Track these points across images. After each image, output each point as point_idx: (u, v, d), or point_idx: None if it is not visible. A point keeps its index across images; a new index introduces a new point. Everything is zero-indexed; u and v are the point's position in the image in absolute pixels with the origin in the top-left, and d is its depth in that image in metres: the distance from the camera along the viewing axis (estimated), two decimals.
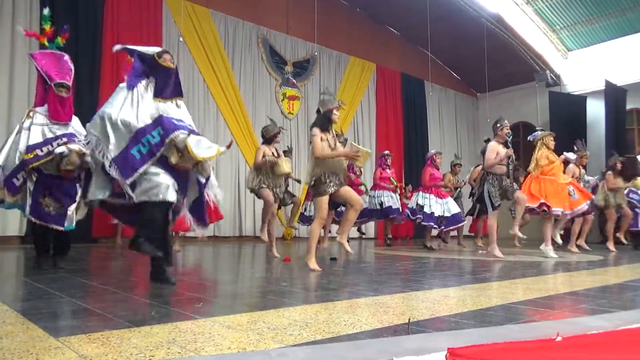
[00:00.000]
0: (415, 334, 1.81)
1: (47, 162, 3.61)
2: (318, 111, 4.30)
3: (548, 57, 12.84)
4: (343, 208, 5.97)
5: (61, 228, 3.72)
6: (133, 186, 2.83)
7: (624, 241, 8.30)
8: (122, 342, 1.62)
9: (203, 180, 3.11)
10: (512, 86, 13.97)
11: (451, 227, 7.92)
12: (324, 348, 1.59)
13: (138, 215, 2.93)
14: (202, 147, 2.87)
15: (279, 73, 10.65)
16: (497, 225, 5.91)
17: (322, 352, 1.55)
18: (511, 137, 5.84)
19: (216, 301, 2.71)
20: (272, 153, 5.50)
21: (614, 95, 11.45)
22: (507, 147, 5.75)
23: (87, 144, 3.03)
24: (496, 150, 5.73)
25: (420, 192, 7.93)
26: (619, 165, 7.88)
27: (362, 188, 8.14)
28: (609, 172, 7.81)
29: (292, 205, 7.89)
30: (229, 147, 3.03)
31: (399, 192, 8.51)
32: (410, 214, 7.91)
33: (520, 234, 6.00)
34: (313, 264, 4.10)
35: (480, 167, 6.82)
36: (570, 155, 6.71)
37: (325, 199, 4.11)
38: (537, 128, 6.84)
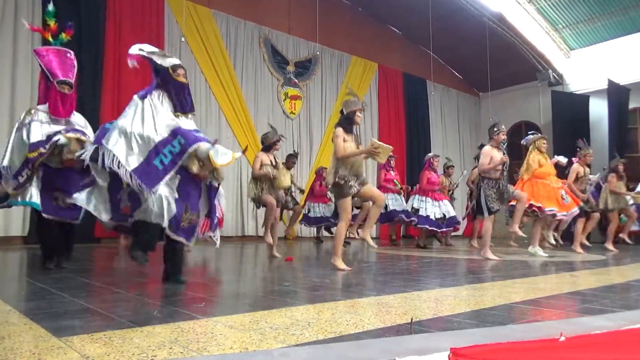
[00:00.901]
0: (418, 334, 1.80)
1: (51, 155, 3.62)
2: (341, 112, 4.35)
3: (550, 56, 12.80)
4: (357, 211, 5.94)
5: (76, 221, 3.77)
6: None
7: (629, 241, 8.28)
8: (124, 342, 1.62)
9: (215, 185, 3.22)
10: (514, 85, 13.93)
11: (445, 229, 7.96)
12: (326, 348, 1.59)
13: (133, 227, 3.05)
14: (219, 155, 3.00)
15: (280, 73, 10.65)
16: (492, 227, 5.88)
17: (325, 351, 1.54)
18: (506, 144, 5.79)
19: (218, 301, 2.71)
20: (271, 161, 5.47)
21: (616, 95, 11.42)
22: (503, 153, 5.68)
23: (97, 154, 3.04)
24: (490, 155, 5.59)
25: (417, 196, 8.00)
26: (620, 168, 7.84)
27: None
28: (612, 175, 7.77)
29: (292, 211, 7.87)
30: (244, 152, 3.23)
31: (402, 194, 8.50)
32: (404, 217, 7.96)
33: (520, 232, 5.95)
34: (341, 264, 4.12)
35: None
36: (561, 159, 6.62)
37: (349, 200, 4.15)
38: (529, 132, 6.79)
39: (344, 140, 4.15)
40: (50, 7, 4.03)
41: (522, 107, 13.81)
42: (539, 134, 6.62)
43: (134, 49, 3.10)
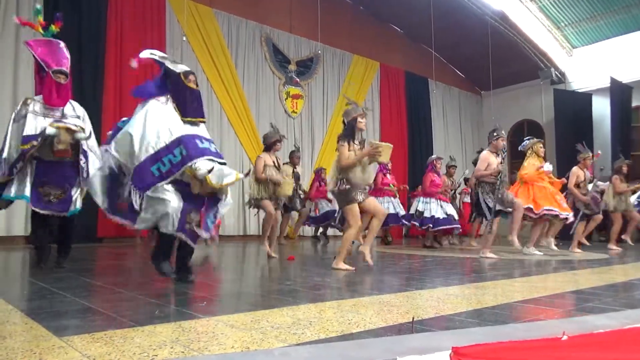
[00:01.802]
0: (420, 333, 1.80)
1: (42, 147, 3.59)
2: (343, 122, 4.32)
3: (553, 54, 12.76)
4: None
5: (64, 213, 3.71)
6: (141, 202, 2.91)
7: (630, 242, 8.24)
8: (125, 341, 1.62)
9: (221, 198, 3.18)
10: (516, 84, 13.89)
11: (441, 228, 7.91)
12: (327, 347, 1.59)
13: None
14: (221, 176, 2.91)
15: (282, 72, 10.64)
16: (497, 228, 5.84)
17: (326, 351, 1.54)
18: (505, 151, 5.76)
19: (220, 300, 2.72)
20: (273, 162, 5.43)
21: (619, 93, 11.38)
22: (502, 159, 5.60)
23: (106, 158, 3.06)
24: (487, 161, 5.53)
25: (421, 198, 7.95)
26: (625, 169, 7.80)
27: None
28: (616, 176, 7.72)
29: (299, 213, 7.86)
30: (247, 175, 3.23)
31: (397, 196, 8.48)
32: (406, 220, 7.98)
33: (517, 243, 5.82)
34: (343, 265, 4.09)
35: None
36: (546, 167, 6.51)
37: (356, 207, 4.10)
38: (525, 139, 6.76)
39: (349, 149, 4.11)
40: (38, 6, 4.19)
41: (525, 106, 13.78)
42: (535, 139, 6.58)
43: (146, 53, 3.12)
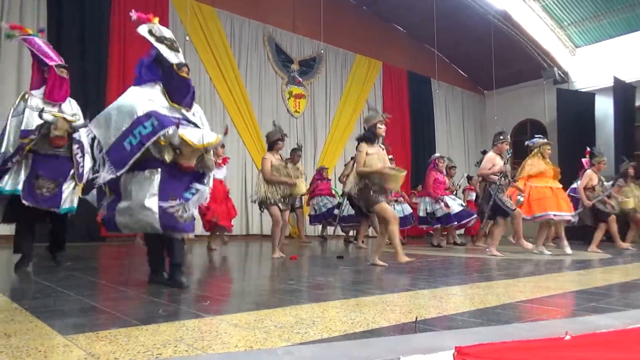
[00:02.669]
0: (423, 333, 1.80)
1: (40, 140, 3.59)
2: (364, 128, 4.48)
3: (556, 54, 12.73)
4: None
5: (56, 209, 3.67)
6: (117, 188, 2.88)
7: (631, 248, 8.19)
8: (129, 340, 1.63)
9: (204, 173, 3.02)
10: (519, 83, 13.87)
11: (464, 222, 7.92)
12: (330, 346, 1.59)
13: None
14: (201, 137, 2.81)
15: (285, 71, 10.65)
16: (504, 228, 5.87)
17: (329, 350, 1.54)
18: (510, 155, 5.79)
19: (223, 299, 2.72)
20: (280, 161, 5.42)
21: (622, 92, 11.34)
22: (505, 162, 5.66)
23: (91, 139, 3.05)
24: (493, 162, 5.67)
25: (427, 199, 7.88)
26: (631, 171, 7.73)
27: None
28: (621, 180, 7.67)
29: (297, 215, 7.86)
30: (225, 133, 3.12)
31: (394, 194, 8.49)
32: (418, 222, 8.03)
33: (526, 244, 5.81)
34: (404, 258, 4.39)
35: None
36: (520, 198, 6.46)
37: (384, 204, 4.25)
38: (535, 135, 6.71)
39: (368, 154, 4.27)
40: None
41: (527, 105, 13.75)
42: (546, 139, 6.53)
43: (143, 30, 3.01)
